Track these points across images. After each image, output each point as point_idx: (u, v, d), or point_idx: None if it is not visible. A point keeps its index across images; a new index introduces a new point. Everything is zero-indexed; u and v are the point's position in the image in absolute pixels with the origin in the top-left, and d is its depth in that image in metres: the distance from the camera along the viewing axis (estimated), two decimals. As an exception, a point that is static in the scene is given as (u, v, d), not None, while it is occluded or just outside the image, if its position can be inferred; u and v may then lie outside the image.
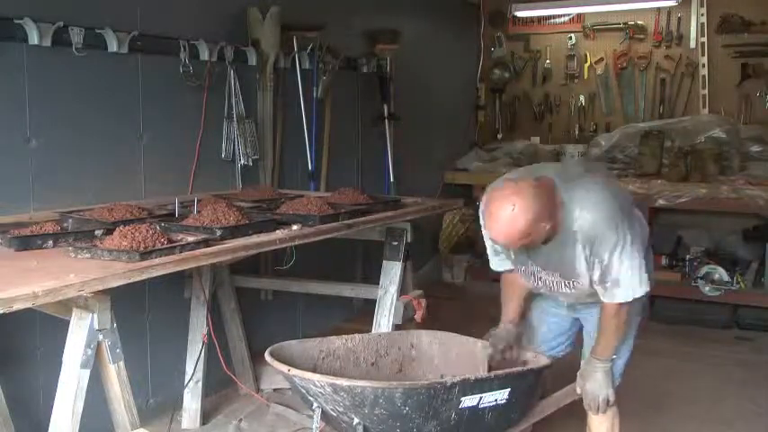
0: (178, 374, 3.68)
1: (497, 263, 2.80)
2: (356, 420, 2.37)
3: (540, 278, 2.65)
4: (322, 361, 2.72)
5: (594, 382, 2.66)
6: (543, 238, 2.43)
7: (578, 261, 2.47)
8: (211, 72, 3.82)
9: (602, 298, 2.54)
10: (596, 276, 2.48)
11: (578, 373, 2.73)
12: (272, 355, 2.53)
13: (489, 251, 2.78)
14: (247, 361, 3.96)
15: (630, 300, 2.50)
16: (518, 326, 2.81)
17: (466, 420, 2.43)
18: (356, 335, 2.85)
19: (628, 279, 2.45)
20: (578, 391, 2.72)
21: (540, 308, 2.92)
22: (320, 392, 2.36)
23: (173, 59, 3.62)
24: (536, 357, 2.78)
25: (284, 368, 2.43)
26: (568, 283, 2.59)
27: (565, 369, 2.88)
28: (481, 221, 2.64)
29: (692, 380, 4.28)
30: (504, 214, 2.32)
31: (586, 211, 2.40)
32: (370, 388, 2.31)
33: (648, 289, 2.52)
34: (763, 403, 3.94)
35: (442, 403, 2.36)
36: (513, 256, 2.69)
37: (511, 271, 2.78)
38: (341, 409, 2.37)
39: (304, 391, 2.44)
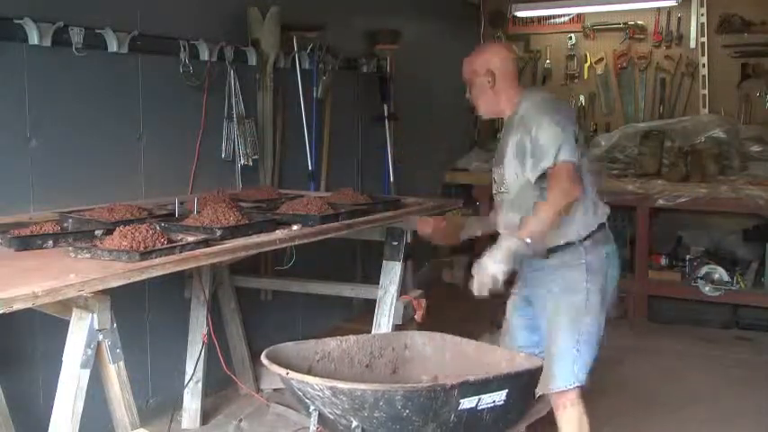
0: (178, 374, 3.68)
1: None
2: (355, 423, 2.37)
3: (495, 179, 2.87)
4: (317, 363, 2.72)
5: (490, 255, 2.52)
6: (482, 93, 2.81)
7: (510, 146, 2.72)
8: (211, 72, 3.82)
9: (530, 176, 2.65)
10: (528, 159, 2.64)
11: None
12: (268, 357, 2.53)
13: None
14: (247, 361, 3.96)
15: (553, 164, 2.56)
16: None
17: (465, 422, 2.43)
18: (350, 336, 2.85)
19: (551, 141, 2.58)
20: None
21: (511, 324, 2.97)
22: (318, 395, 2.36)
23: (173, 59, 3.63)
24: (531, 359, 2.78)
25: (282, 371, 2.43)
26: (500, 178, 2.80)
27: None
28: None
29: (692, 380, 4.29)
30: (485, 45, 3.18)
31: (530, 102, 2.76)
32: (371, 391, 2.31)
33: (574, 160, 2.57)
34: (764, 403, 3.94)
35: (442, 405, 2.36)
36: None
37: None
38: (339, 412, 2.37)
39: (301, 394, 2.44)
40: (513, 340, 2.94)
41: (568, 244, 2.70)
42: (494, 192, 2.91)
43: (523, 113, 2.73)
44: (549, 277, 2.75)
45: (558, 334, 2.69)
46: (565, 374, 2.65)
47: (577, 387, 2.68)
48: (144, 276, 2.21)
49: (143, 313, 3.60)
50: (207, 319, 3.64)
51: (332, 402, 2.35)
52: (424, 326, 3.36)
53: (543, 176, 2.62)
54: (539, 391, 2.68)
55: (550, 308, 2.74)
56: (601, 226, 2.76)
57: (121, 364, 2.30)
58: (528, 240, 2.52)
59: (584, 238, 2.71)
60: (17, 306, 1.87)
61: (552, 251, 2.71)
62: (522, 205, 2.71)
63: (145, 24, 3.49)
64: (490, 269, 2.49)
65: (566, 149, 2.56)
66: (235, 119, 3.97)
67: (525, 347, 2.89)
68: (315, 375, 2.49)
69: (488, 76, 2.79)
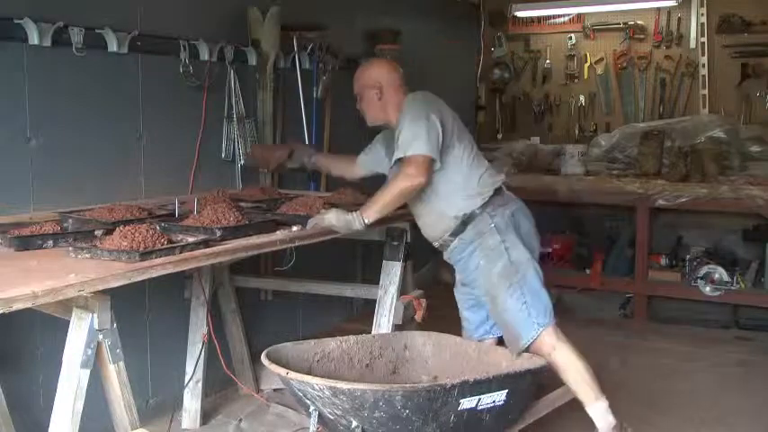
0: (178, 374, 3.68)
1: (361, 156, 3.63)
2: (354, 423, 2.37)
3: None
4: (317, 363, 2.72)
5: (338, 212, 2.92)
6: (371, 104, 3.23)
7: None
8: (211, 72, 3.82)
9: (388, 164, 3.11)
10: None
11: None
12: (268, 357, 2.53)
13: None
14: (247, 361, 3.96)
15: (401, 155, 2.92)
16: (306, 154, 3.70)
17: (465, 422, 2.43)
18: (350, 336, 2.86)
19: (404, 138, 2.94)
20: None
21: (460, 307, 3.29)
22: (318, 396, 2.36)
23: (173, 59, 3.62)
24: (532, 358, 2.78)
25: (282, 371, 2.43)
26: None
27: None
28: None
29: (692, 380, 4.28)
30: (373, 61, 3.50)
31: (404, 105, 3.10)
32: (371, 391, 2.31)
33: (423, 152, 2.88)
34: (763, 403, 3.94)
35: (442, 405, 2.36)
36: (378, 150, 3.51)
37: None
38: (339, 413, 2.37)
39: (301, 395, 2.44)
40: (468, 323, 3.23)
41: (471, 215, 3.01)
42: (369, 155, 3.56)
43: (400, 117, 3.05)
44: (471, 255, 3.05)
45: (502, 299, 2.94)
46: (526, 327, 2.88)
47: (548, 328, 2.91)
48: (144, 276, 2.21)
49: (143, 313, 3.60)
50: (207, 319, 3.64)
51: (332, 402, 2.35)
52: (424, 326, 3.37)
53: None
54: (512, 351, 2.88)
55: (483, 281, 3.02)
56: (497, 191, 3.07)
57: (121, 364, 2.30)
58: (367, 221, 2.90)
59: (483, 206, 3.01)
60: (17, 306, 1.87)
61: (462, 224, 3.03)
62: None
63: (145, 24, 3.49)
64: (327, 220, 2.88)
65: (417, 144, 2.90)
66: (235, 119, 3.97)
67: (479, 325, 3.20)
68: (315, 375, 2.49)
69: (375, 89, 3.19)
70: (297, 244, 2.85)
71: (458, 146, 3.04)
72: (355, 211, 2.92)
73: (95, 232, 2.54)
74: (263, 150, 3.86)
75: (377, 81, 3.19)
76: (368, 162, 3.57)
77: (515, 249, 2.98)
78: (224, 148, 3.97)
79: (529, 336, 2.89)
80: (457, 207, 3.04)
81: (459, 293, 3.29)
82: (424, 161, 2.90)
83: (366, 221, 2.89)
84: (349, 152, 3.79)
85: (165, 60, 3.61)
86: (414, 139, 2.91)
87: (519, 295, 2.93)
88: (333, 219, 2.88)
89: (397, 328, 3.40)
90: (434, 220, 3.12)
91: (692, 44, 6.23)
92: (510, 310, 2.93)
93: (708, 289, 5.26)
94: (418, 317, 3.48)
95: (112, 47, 3.31)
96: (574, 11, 6.57)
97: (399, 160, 2.95)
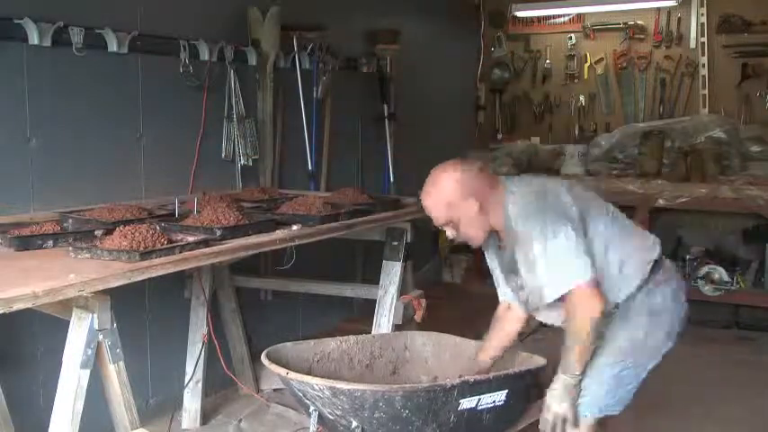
0: (178, 374, 3.68)
1: (500, 292, 2.73)
2: (354, 424, 2.37)
3: (503, 281, 2.63)
4: (317, 363, 2.72)
5: (550, 395, 2.39)
6: (474, 221, 2.41)
7: (520, 262, 2.40)
8: (211, 72, 3.82)
9: (546, 299, 2.36)
10: (538, 279, 2.35)
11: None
12: (268, 357, 2.53)
13: (494, 280, 2.74)
14: (247, 361, 3.95)
15: (564, 291, 2.28)
16: (490, 365, 2.74)
17: (465, 422, 2.43)
18: (350, 336, 2.85)
19: (552, 271, 2.30)
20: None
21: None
22: (318, 396, 2.35)
23: (173, 59, 3.62)
24: (532, 358, 2.78)
25: (282, 371, 2.43)
26: (517, 286, 2.52)
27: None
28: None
29: (693, 380, 4.28)
30: (434, 174, 2.44)
31: (517, 211, 2.37)
32: (370, 391, 2.31)
33: (584, 276, 2.25)
34: (764, 403, 3.94)
35: (442, 405, 2.36)
36: (502, 275, 2.64)
37: (508, 307, 2.72)
38: (339, 413, 2.36)
39: (301, 395, 2.44)
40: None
41: (629, 298, 2.43)
42: (505, 291, 2.68)
43: (515, 227, 2.37)
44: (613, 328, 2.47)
45: (595, 363, 2.41)
46: (591, 403, 2.44)
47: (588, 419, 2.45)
48: (144, 276, 2.21)
49: (143, 313, 3.60)
50: (207, 319, 3.64)
51: (332, 403, 2.34)
52: (424, 326, 3.36)
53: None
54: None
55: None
56: (656, 264, 2.45)
57: (121, 364, 2.30)
58: (578, 373, 2.36)
59: (640, 287, 2.43)
60: (17, 306, 1.87)
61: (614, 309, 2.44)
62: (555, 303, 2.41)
63: (145, 24, 3.49)
64: (553, 408, 2.38)
65: (570, 269, 2.28)
66: (235, 119, 3.97)
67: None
68: (315, 376, 2.49)
69: (469, 201, 2.39)
70: (297, 243, 2.85)
71: (590, 233, 2.38)
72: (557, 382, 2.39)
73: (95, 232, 2.53)
74: None
75: (463, 190, 2.38)
76: (510, 293, 2.68)
77: (653, 338, 2.45)
78: (224, 148, 3.97)
79: (588, 411, 2.44)
80: (621, 293, 2.43)
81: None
82: (590, 284, 2.27)
83: (577, 373, 2.37)
84: (349, 152, 3.78)
85: (165, 60, 3.61)
86: (561, 266, 2.29)
87: (610, 373, 2.43)
88: (558, 403, 2.37)
89: (397, 328, 3.40)
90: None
91: (692, 44, 6.23)
92: (597, 375, 2.42)
93: (708, 289, 5.26)
94: (418, 317, 3.48)
95: (112, 47, 3.31)
96: (574, 11, 6.57)
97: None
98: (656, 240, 2.52)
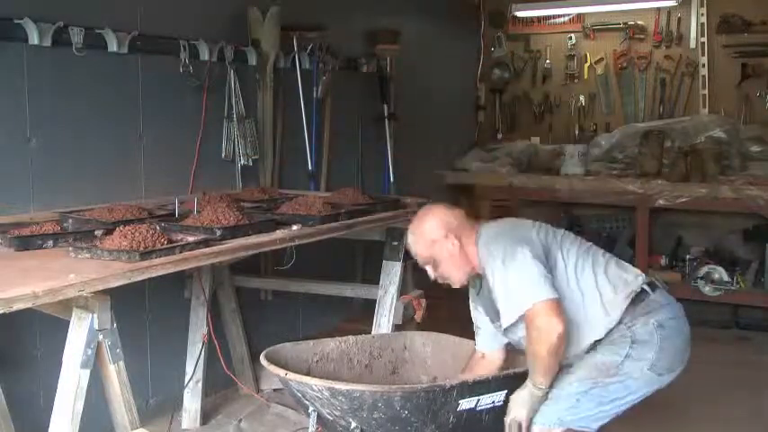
0: (178, 374, 3.68)
1: (477, 341, 2.75)
2: (353, 424, 2.37)
3: (482, 325, 2.69)
4: (316, 364, 2.72)
5: (513, 399, 2.44)
6: (454, 260, 2.51)
7: (494, 298, 2.44)
8: (211, 72, 3.82)
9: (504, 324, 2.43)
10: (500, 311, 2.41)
11: None
12: (267, 358, 2.53)
13: (474, 328, 2.77)
14: (247, 361, 3.96)
15: (520, 313, 2.32)
16: None
17: (464, 422, 2.43)
18: (350, 337, 2.85)
19: (509, 294, 2.36)
20: None
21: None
22: (317, 396, 2.35)
23: (173, 59, 3.62)
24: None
25: (281, 372, 2.43)
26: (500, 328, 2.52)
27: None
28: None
29: (692, 380, 4.26)
30: (419, 213, 2.64)
31: (482, 247, 2.49)
32: (369, 392, 2.31)
33: (542, 297, 2.28)
34: (763, 403, 3.94)
35: (441, 406, 2.36)
36: (483, 320, 2.69)
37: (482, 356, 2.75)
38: (338, 413, 2.36)
39: (300, 395, 2.44)
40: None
41: (609, 332, 2.44)
42: (484, 340, 2.73)
43: (483, 264, 2.46)
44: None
45: (566, 377, 2.43)
46: (548, 413, 2.41)
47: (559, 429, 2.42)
48: (144, 276, 2.21)
49: (143, 313, 3.60)
50: (207, 319, 3.64)
51: (331, 403, 2.34)
52: (424, 326, 3.36)
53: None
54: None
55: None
56: (638, 297, 2.46)
57: (121, 364, 2.30)
58: (543, 387, 2.38)
59: (620, 320, 2.43)
60: (17, 306, 1.87)
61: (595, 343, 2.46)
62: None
63: (145, 24, 3.49)
64: (512, 413, 2.42)
65: (526, 290, 2.31)
66: (235, 119, 3.97)
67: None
68: (314, 376, 2.49)
69: (450, 239, 2.50)
70: (297, 243, 2.85)
71: (560, 265, 2.45)
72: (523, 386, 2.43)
73: (95, 232, 2.54)
74: None
75: (446, 229, 2.51)
76: (489, 341, 2.73)
77: (632, 363, 2.41)
78: (224, 148, 3.97)
79: (543, 421, 2.41)
80: (598, 329, 2.44)
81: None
82: (549, 306, 2.28)
83: (543, 387, 2.38)
84: (349, 152, 3.78)
85: (165, 60, 3.61)
86: (517, 289, 2.33)
87: (579, 390, 2.40)
88: (518, 408, 2.41)
89: (397, 328, 3.40)
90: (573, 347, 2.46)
91: (692, 44, 6.22)
92: (559, 390, 2.41)
93: (708, 289, 5.26)
94: (418, 317, 3.48)
95: (112, 47, 3.31)
96: (574, 11, 6.56)
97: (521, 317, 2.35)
98: (639, 274, 2.54)
